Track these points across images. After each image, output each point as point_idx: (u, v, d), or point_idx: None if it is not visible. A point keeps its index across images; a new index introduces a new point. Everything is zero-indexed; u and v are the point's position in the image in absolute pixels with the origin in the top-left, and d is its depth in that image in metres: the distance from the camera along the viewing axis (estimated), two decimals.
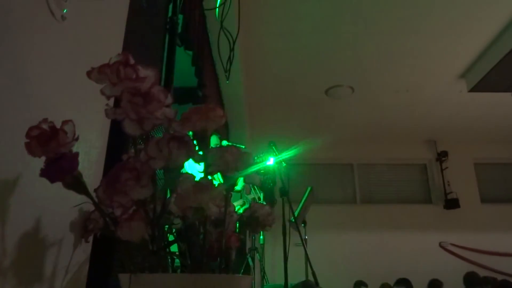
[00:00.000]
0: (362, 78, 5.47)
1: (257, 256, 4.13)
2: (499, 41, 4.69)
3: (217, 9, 3.14)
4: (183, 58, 3.03)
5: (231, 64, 3.15)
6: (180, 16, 2.74)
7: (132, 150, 0.43)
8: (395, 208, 7.19)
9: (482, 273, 6.27)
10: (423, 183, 7.50)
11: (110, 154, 0.64)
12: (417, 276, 5.77)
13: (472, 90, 5.42)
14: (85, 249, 0.59)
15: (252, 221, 0.68)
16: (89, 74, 0.43)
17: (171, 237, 0.54)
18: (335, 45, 4.77)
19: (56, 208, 0.48)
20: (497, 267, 6.61)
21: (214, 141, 3.40)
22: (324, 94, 5.90)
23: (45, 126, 0.41)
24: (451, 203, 6.96)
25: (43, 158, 0.40)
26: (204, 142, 0.46)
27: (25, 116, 0.44)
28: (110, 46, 0.64)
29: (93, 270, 0.60)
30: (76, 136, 0.43)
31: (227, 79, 3.35)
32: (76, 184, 0.44)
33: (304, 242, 2.26)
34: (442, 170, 7.24)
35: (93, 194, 0.43)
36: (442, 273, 6.09)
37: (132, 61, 0.43)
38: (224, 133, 5.37)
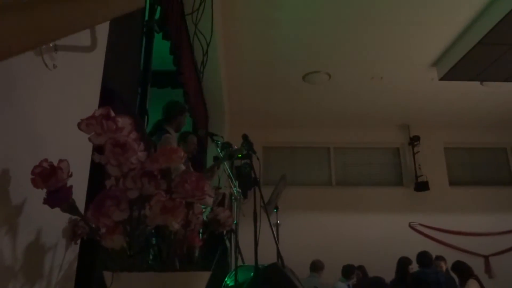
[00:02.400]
0: (339, 65, 5.62)
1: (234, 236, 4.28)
2: (468, 32, 4.87)
3: None
4: (163, 42, 3.07)
5: (207, 59, 3.23)
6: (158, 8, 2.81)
7: (113, 178, 0.56)
8: (369, 190, 7.47)
9: (447, 251, 6.66)
10: (396, 166, 7.80)
11: (93, 175, 0.77)
12: (387, 254, 6.06)
13: (443, 78, 5.63)
14: (74, 249, 0.73)
15: (215, 223, 0.82)
16: (79, 125, 0.55)
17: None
18: (312, 33, 4.88)
19: (52, 220, 0.60)
20: (462, 246, 7.00)
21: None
22: (302, 80, 6.03)
23: (45, 165, 0.53)
24: (421, 186, 7.28)
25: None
26: (167, 176, 0.60)
27: (29, 152, 0.56)
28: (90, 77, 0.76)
29: (80, 267, 0.74)
30: (70, 173, 0.55)
31: (202, 69, 3.42)
32: (71, 209, 0.57)
33: (272, 226, 2.41)
34: (414, 154, 7.53)
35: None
36: (411, 251, 6.37)
37: (112, 114, 0.55)
38: (203, 118, 5.46)
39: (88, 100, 0.77)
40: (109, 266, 0.59)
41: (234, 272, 2.76)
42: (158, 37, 2.61)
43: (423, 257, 4.90)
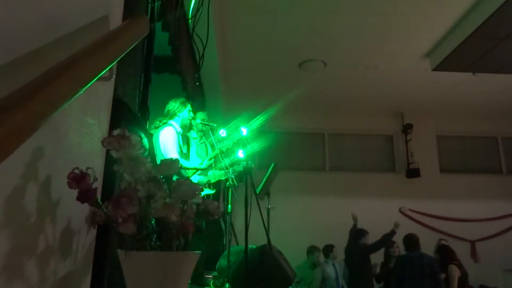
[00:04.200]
0: (334, 54, 5.75)
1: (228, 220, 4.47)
2: (461, 24, 4.99)
3: None
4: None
5: (203, 52, 3.37)
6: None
7: (125, 180, 0.75)
8: (361, 175, 7.68)
9: (436, 236, 6.91)
10: (389, 153, 7.99)
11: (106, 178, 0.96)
12: (378, 238, 6.28)
13: (435, 69, 5.77)
14: (93, 232, 0.91)
15: (205, 213, 1.01)
16: (102, 142, 0.73)
17: None
18: (309, 22, 4.99)
19: (77, 211, 0.79)
20: (450, 231, 7.25)
21: (201, 116, 3.69)
22: (298, 68, 6.16)
23: (77, 171, 0.71)
24: (412, 172, 7.49)
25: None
26: (169, 181, 0.78)
27: (63, 161, 0.74)
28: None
29: (97, 246, 0.93)
30: (96, 177, 0.73)
31: (201, 61, 3.56)
32: (96, 204, 0.75)
33: (261, 212, 2.60)
34: (406, 141, 7.72)
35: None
36: (399, 236, 6.59)
37: (127, 134, 0.73)
38: (200, 103, 5.60)
39: (102, 116, 0.95)
40: (122, 246, 0.78)
41: (227, 253, 2.97)
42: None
43: (409, 240, 5.09)
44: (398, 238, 5.70)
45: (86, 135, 0.77)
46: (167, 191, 0.78)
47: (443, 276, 4.93)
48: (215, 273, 3.37)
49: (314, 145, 8.02)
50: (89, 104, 0.86)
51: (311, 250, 6.05)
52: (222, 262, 3.21)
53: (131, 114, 1.19)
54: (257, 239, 3.67)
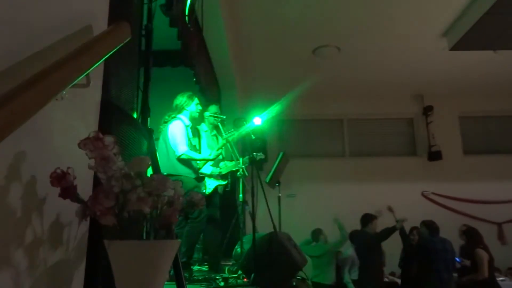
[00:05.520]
0: (348, 38, 5.69)
1: (246, 208, 4.57)
2: (477, 1, 4.85)
3: None
4: (163, 18, 3.15)
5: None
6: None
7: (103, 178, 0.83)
8: (382, 160, 7.61)
9: (460, 219, 6.80)
10: (409, 136, 7.88)
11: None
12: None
13: (453, 48, 5.63)
14: (85, 224, 1.00)
15: (190, 204, 1.08)
16: (79, 144, 0.81)
17: None
18: (321, 7, 4.95)
19: (67, 206, 0.87)
20: (475, 214, 7.12)
21: (213, 109, 3.77)
22: (312, 54, 6.13)
23: (58, 171, 0.80)
24: (434, 155, 7.37)
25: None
26: (141, 176, 0.85)
27: (48, 162, 0.82)
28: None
29: (90, 236, 1.03)
30: (75, 176, 0.82)
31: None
32: (77, 200, 0.84)
33: (267, 201, 2.67)
34: (427, 124, 7.59)
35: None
36: (422, 219, 6.50)
37: (101, 136, 0.81)
38: (215, 94, 5.69)
39: (89, 118, 1.03)
40: (106, 236, 0.87)
41: (240, 241, 3.08)
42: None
43: (431, 226, 5.06)
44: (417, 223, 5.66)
45: (73, 138, 0.85)
46: (141, 185, 0.85)
47: (467, 262, 4.88)
48: (234, 261, 3.49)
49: (333, 131, 8.00)
50: (75, 108, 0.94)
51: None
52: (238, 249, 3.32)
53: (122, 114, 1.27)
54: (277, 226, 3.76)
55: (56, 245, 0.89)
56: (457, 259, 5.20)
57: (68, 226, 0.94)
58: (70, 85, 0.76)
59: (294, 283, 2.54)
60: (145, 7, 1.87)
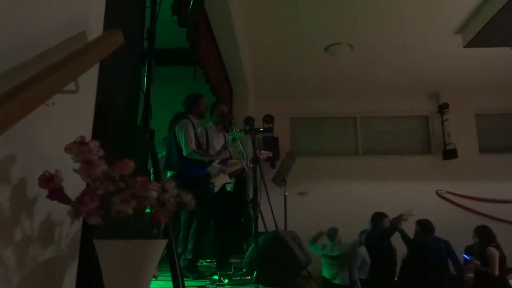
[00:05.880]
0: (360, 35, 5.65)
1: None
2: None
3: None
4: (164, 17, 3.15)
5: None
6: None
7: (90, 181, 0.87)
8: (396, 158, 7.53)
9: (476, 219, 6.68)
10: (424, 134, 7.78)
11: None
12: (413, 222, 6.17)
13: (468, 45, 5.54)
14: (78, 223, 1.05)
15: (180, 204, 1.12)
16: (65, 149, 0.85)
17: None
18: (333, 5, 4.93)
19: (59, 207, 0.92)
20: (491, 213, 6.98)
21: (221, 108, 3.79)
22: (324, 52, 6.11)
23: (47, 174, 0.84)
24: (449, 154, 7.26)
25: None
26: (124, 179, 0.89)
27: (39, 166, 0.87)
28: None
29: (83, 234, 1.07)
30: (62, 179, 0.86)
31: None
32: (65, 201, 0.88)
33: (269, 199, 2.70)
34: (442, 121, 7.48)
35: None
36: (437, 219, 6.38)
37: (86, 141, 0.85)
38: (227, 93, 5.73)
39: (83, 123, 1.08)
40: (97, 235, 0.92)
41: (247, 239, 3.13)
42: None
43: (425, 224, 5.06)
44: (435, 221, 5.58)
45: (65, 142, 0.89)
46: (125, 188, 0.89)
47: (477, 262, 4.83)
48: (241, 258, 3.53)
49: (346, 129, 7.96)
50: (67, 113, 0.98)
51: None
52: (245, 247, 3.37)
53: (119, 117, 1.31)
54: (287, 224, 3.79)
55: (47, 243, 0.94)
56: (467, 257, 5.15)
57: (60, 225, 0.98)
58: (56, 93, 0.80)
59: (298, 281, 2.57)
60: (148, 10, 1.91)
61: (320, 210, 7.14)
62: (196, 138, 3.25)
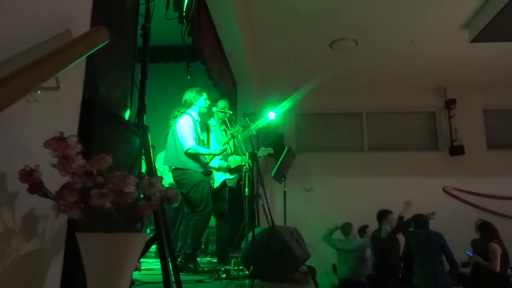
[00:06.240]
0: (365, 31, 5.61)
1: (260, 201, 4.61)
2: None
3: None
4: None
5: None
6: None
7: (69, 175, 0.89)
8: (402, 154, 7.48)
9: (483, 215, 6.62)
10: (431, 130, 7.71)
11: None
12: None
13: (474, 40, 5.47)
14: (63, 217, 1.08)
15: (166, 198, 1.14)
16: (44, 144, 0.87)
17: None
18: (337, 0, 4.90)
19: (40, 201, 0.95)
20: (498, 210, 6.91)
21: (222, 104, 3.81)
22: (329, 48, 6.09)
23: (27, 169, 0.87)
24: (456, 150, 7.19)
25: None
26: (102, 174, 0.92)
27: (21, 161, 0.90)
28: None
29: (69, 227, 1.10)
30: (41, 174, 0.89)
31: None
32: (44, 195, 0.91)
33: (266, 195, 2.71)
34: (449, 117, 7.40)
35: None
36: (444, 215, 6.33)
37: (64, 136, 0.87)
38: (230, 88, 5.73)
39: (68, 119, 1.10)
40: (77, 229, 0.94)
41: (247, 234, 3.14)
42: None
43: (417, 219, 5.06)
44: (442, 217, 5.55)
45: (48, 138, 0.91)
46: (103, 182, 0.91)
47: (478, 257, 4.82)
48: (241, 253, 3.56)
49: (352, 125, 7.92)
50: (51, 109, 1.01)
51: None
52: (245, 242, 3.39)
53: (108, 113, 1.33)
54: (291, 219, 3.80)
55: (30, 235, 0.97)
56: (468, 253, 5.13)
57: (44, 218, 1.01)
58: (33, 91, 0.82)
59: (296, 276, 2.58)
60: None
61: (326, 206, 7.14)
62: (197, 134, 3.27)
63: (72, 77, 1.08)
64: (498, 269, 4.49)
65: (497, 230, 5.00)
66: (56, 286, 1.07)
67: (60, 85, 0.94)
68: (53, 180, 0.94)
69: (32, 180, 0.87)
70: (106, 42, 1.09)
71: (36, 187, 0.88)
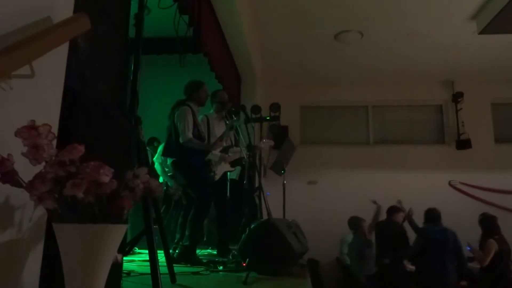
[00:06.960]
0: (371, 23, 5.53)
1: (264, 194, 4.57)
2: None
3: None
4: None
5: None
6: None
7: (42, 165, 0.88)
8: (408, 148, 7.41)
9: (489, 210, 6.53)
10: (437, 123, 7.62)
11: None
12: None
13: (482, 32, 5.36)
14: (42, 208, 1.07)
15: (148, 190, 1.13)
16: (15, 133, 0.86)
17: None
18: None
19: (16, 192, 0.94)
20: (506, 205, 6.82)
21: (221, 96, 3.78)
22: (334, 39, 6.02)
23: None
24: (463, 144, 7.10)
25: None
26: (74, 163, 0.90)
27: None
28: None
29: (50, 218, 1.10)
30: (13, 162, 0.87)
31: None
32: (17, 184, 0.90)
33: (262, 187, 2.69)
34: (457, 111, 7.30)
35: None
36: (450, 210, 6.25)
37: (36, 125, 0.85)
38: (234, 81, 5.70)
39: (48, 109, 1.08)
40: (53, 219, 0.93)
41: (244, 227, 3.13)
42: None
43: (432, 213, 4.97)
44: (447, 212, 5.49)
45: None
46: (75, 172, 0.90)
47: (477, 253, 4.80)
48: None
49: (357, 118, 7.85)
50: (27, 99, 0.99)
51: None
52: (244, 235, 3.37)
53: (94, 104, 1.31)
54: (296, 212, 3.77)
55: (5, 226, 0.96)
56: (468, 247, 5.08)
57: (21, 208, 1.00)
58: (4, 78, 0.81)
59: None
60: None
61: (330, 199, 7.11)
62: (196, 125, 3.26)
63: (52, 65, 1.06)
64: (485, 264, 4.50)
65: (497, 225, 4.94)
66: (35, 278, 1.06)
67: (34, 72, 0.92)
68: (33, 171, 0.92)
69: (4, 169, 0.85)
70: (86, 30, 1.07)
71: (9, 176, 0.87)
